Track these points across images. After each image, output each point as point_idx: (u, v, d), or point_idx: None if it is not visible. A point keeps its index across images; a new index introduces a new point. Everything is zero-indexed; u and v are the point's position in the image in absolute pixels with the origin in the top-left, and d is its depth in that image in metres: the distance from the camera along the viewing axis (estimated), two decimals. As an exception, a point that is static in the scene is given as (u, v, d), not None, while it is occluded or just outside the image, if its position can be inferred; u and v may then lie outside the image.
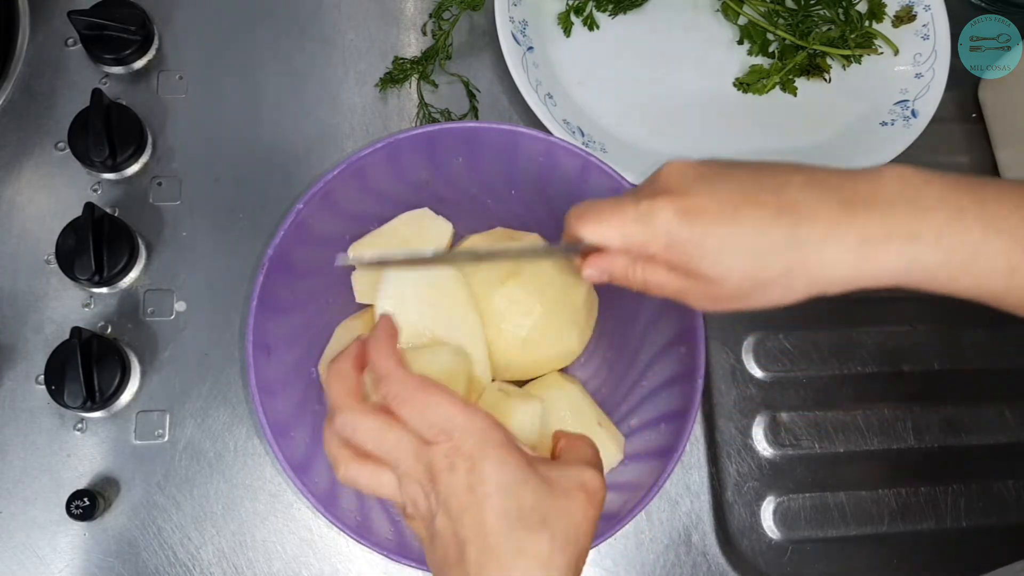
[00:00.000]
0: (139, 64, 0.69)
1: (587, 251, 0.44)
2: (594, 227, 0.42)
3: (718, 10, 0.76)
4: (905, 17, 0.75)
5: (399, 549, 0.52)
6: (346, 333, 0.58)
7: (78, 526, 0.58)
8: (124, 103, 0.66)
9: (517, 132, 0.55)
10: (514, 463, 0.39)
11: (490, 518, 0.38)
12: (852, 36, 0.74)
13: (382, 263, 0.52)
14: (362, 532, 0.51)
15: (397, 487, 0.40)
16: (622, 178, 0.55)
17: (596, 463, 0.42)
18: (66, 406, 0.58)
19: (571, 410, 0.56)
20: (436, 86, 0.71)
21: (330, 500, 0.52)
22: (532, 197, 0.59)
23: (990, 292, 0.39)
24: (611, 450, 0.56)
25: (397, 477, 0.40)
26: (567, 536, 0.38)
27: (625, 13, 0.75)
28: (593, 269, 0.44)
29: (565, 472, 0.40)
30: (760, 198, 0.40)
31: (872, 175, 0.41)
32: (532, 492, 0.38)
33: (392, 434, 0.40)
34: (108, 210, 0.64)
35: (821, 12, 0.75)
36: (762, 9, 0.75)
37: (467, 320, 0.55)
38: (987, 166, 0.76)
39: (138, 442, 0.61)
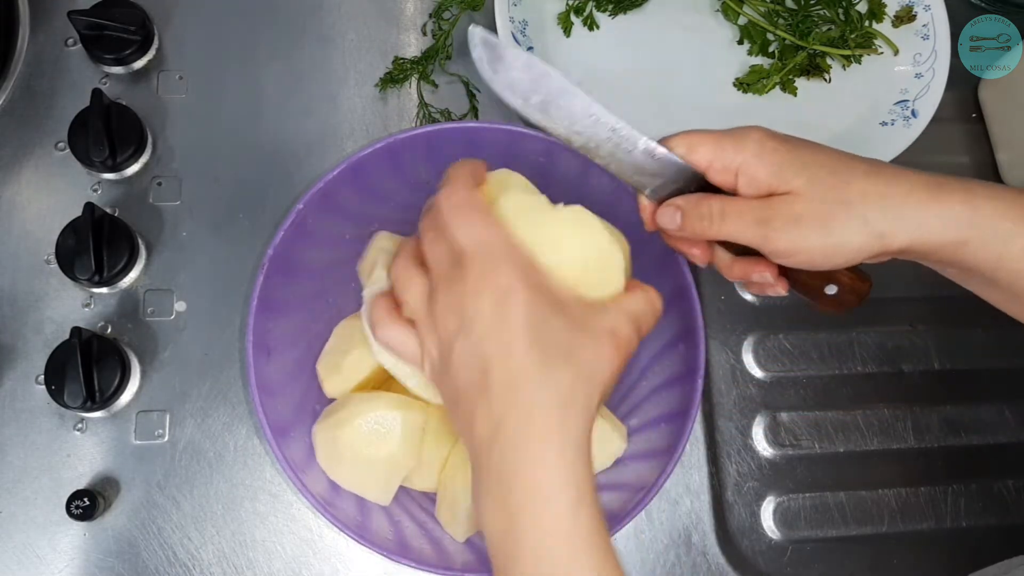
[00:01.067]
0: (139, 64, 0.69)
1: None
2: (686, 142, 0.43)
3: (718, 10, 0.76)
4: (905, 17, 0.75)
5: (399, 549, 0.52)
6: (346, 332, 0.58)
7: (78, 526, 0.58)
8: (124, 103, 0.66)
9: (517, 132, 0.55)
10: (543, 299, 0.39)
11: (516, 343, 0.38)
12: (852, 36, 0.74)
13: None
14: (362, 532, 0.51)
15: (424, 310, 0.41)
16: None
17: (638, 315, 0.42)
18: (66, 406, 0.58)
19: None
20: (436, 86, 0.71)
21: (330, 500, 0.52)
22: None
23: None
24: (615, 441, 0.56)
25: (427, 293, 0.41)
26: (589, 374, 0.39)
27: (625, 13, 0.75)
28: (668, 209, 0.44)
29: (598, 316, 0.40)
30: (836, 150, 0.43)
31: (965, 185, 0.43)
32: (558, 327, 0.38)
33: (434, 247, 0.41)
34: (108, 210, 0.64)
35: (821, 12, 0.75)
36: (762, 9, 0.75)
37: None
38: (987, 166, 0.76)
39: (138, 442, 0.61)
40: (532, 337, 0.38)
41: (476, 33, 0.40)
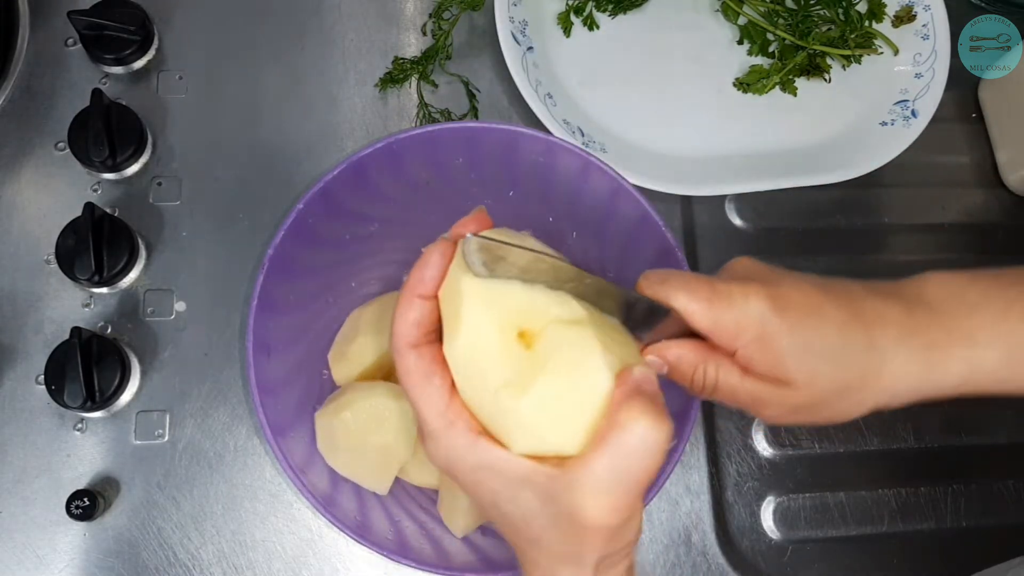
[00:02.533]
0: (139, 64, 0.69)
1: (649, 340, 0.40)
2: (684, 295, 0.38)
3: (718, 10, 0.76)
4: (905, 17, 0.75)
5: (399, 549, 0.52)
6: (354, 320, 0.59)
7: (78, 526, 0.58)
8: (124, 103, 0.66)
9: (518, 132, 0.55)
10: (518, 518, 0.37)
11: (510, 538, 0.39)
12: (852, 36, 0.74)
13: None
14: (362, 532, 0.51)
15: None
16: (623, 179, 0.55)
17: (610, 476, 0.34)
18: (66, 406, 0.58)
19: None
20: (436, 86, 0.71)
21: (330, 500, 0.52)
22: (533, 197, 0.59)
23: None
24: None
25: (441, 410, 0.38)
26: (562, 558, 0.37)
27: (625, 13, 0.75)
28: (655, 357, 0.39)
29: (562, 494, 0.35)
30: (836, 298, 0.39)
31: (915, 282, 0.41)
32: (524, 521, 0.37)
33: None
34: (108, 210, 0.64)
35: (821, 12, 0.75)
36: (762, 9, 0.75)
37: None
38: (987, 166, 0.76)
39: (138, 442, 0.61)
40: (512, 532, 0.38)
41: (472, 241, 0.35)
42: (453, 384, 0.37)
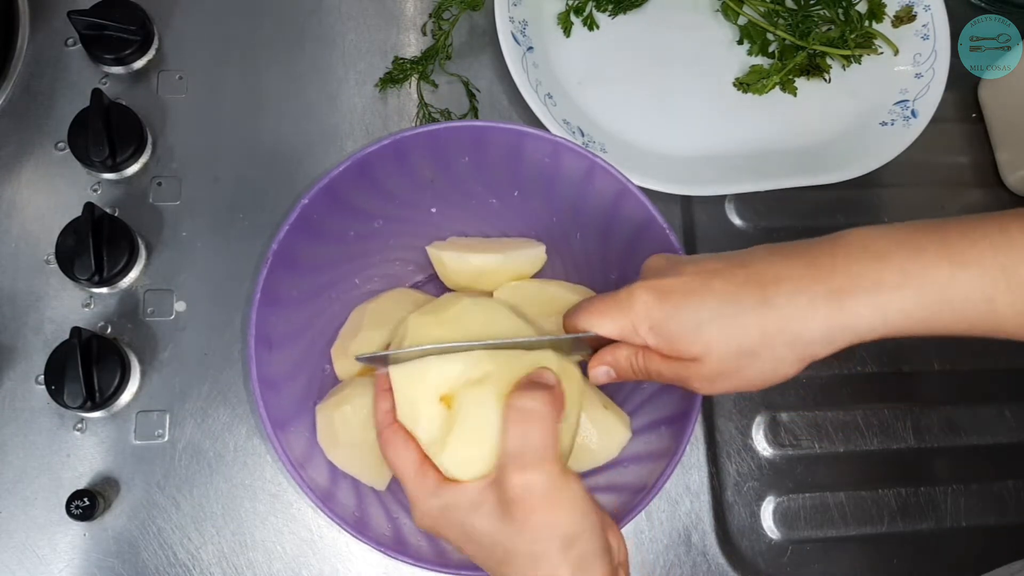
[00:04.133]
0: (139, 64, 0.69)
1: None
2: (588, 318, 0.44)
3: (718, 10, 0.76)
4: (905, 17, 0.75)
5: (396, 545, 0.52)
6: (358, 315, 0.59)
7: (78, 526, 0.58)
8: (124, 103, 0.66)
9: (524, 133, 0.55)
10: (486, 536, 0.43)
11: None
12: (852, 36, 0.74)
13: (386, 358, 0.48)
14: (360, 528, 0.51)
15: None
16: (628, 180, 0.55)
17: (446, 508, 0.44)
18: (66, 406, 0.58)
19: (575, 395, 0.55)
20: (436, 86, 0.71)
21: (329, 496, 0.52)
22: (537, 198, 0.59)
23: (976, 326, 0.40)
24: (619, 431, 0.56)
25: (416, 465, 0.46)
26: None
27: (625, 13, 0.75)
28: (599, 368, 0.46)
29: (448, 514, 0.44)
30: (727, 272, 0.42)
31: (832, 237, 0.42)
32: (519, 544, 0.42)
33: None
34: (108, 210, 0.64)
35: (821, 12, 0.75)
36: (762, 9, 0.75)
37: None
38: (987, 166, 0.76)
39: (138, 442, 0.61)
40: (488, 558, 0.44)
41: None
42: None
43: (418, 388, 0.45)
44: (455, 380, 0.44)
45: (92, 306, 0.63)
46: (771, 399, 0.67)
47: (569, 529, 0.41)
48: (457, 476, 0.43)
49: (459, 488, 0.43)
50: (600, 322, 0.44)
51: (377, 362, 0.47)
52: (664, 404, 0.55)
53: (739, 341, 0.40)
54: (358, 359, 0.47)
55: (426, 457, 0.45)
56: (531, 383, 0.43)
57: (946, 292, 0.38)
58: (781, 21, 0.75)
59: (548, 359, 0.46)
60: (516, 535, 0.41)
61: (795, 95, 0.74)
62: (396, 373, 0.45)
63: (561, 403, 0.43)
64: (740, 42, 0.75)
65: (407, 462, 0.44)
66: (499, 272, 0.59)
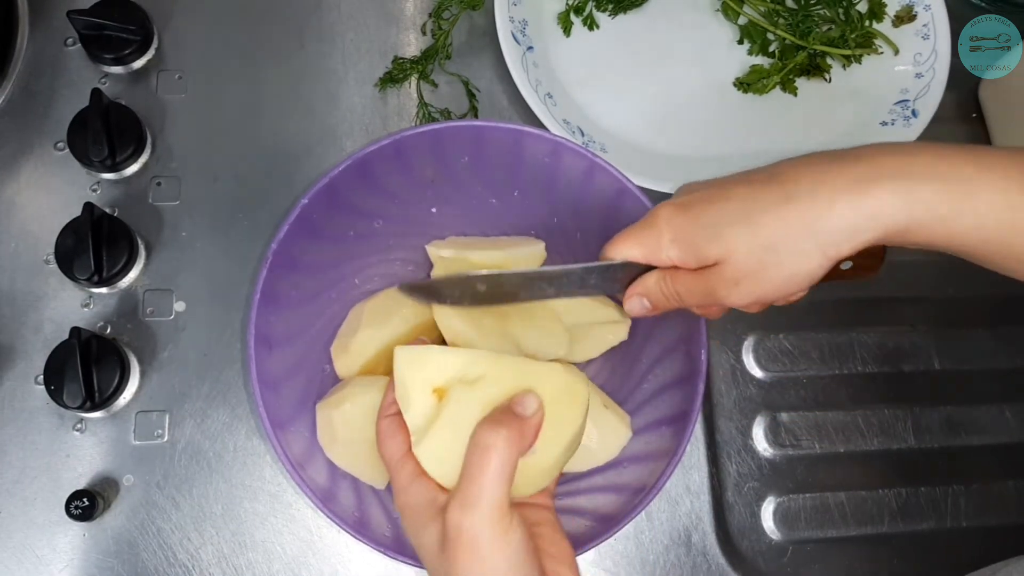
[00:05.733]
0: (138, 64, 0.68)
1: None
2: (614, 245, 0.45)
3: (718, 10, 0.76)
4: (905, 17, 0.75)
5: (396, 546, 0.52)
6: (357, 314, 0.59)
7: (77, 526, 0.58)
8: (123, 103, 0.66)
9: (524, 132, 0.55)
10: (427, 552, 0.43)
11: None
12: (852, 36, 0.74)
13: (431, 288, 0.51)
14: (360, 528, 0.51)
15: None
16: (627, 180, 0.55)
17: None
18: (65, 406, 0.58)
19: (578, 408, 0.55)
20: (436, 86, 0.71)
21: (328, 496, 0.52)
22: (537, 197, 0.59)
23: (991, 239, 0.38)
24: (620, 431, 0.56)
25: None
26: None
27: (625, 13, 0.75)
28: (633, 299, 0.46)
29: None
30: (748, 178, 0.42)
31: (856, 147, 0.41)
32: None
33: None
34: (107, 210, 0.64)
35: (821, 12, 0.75)
36: (762, 9, 0.74)
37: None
38: (987, 166, 0.76)
39: (137, 442, 0.60)
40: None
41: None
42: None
43: (416, 375, 0.45)
44: (451, 375, 0.44)
45: (92, 306, 0.63)
46: (771, 399, 0.67)
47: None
48: (429, 471, 0.44)
49: (423, 491, 0.43)
50: (626, 245, 0.45)
51: (419, 293, 0.49)
52: (664, 404, 0.55)
53: (760, 236, 0.40)
54: (401, 289, 0.50)
55: (410, 450, 0.45)
56: (504, 413, 0.42)
57: (971, 188, 0.38)
58: (781, 21, 0.74)
59: (553, 374, 0.45)
60: (446, 569, 0.41)
61: (795, 95, 0.74)
62: (399, 355, 0.45)
63: (530, 437, 0.42)
64: (740, 42, 0.75)
65: (393, 449, 0.45)
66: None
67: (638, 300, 0.46)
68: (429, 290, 0.50)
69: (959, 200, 0.38)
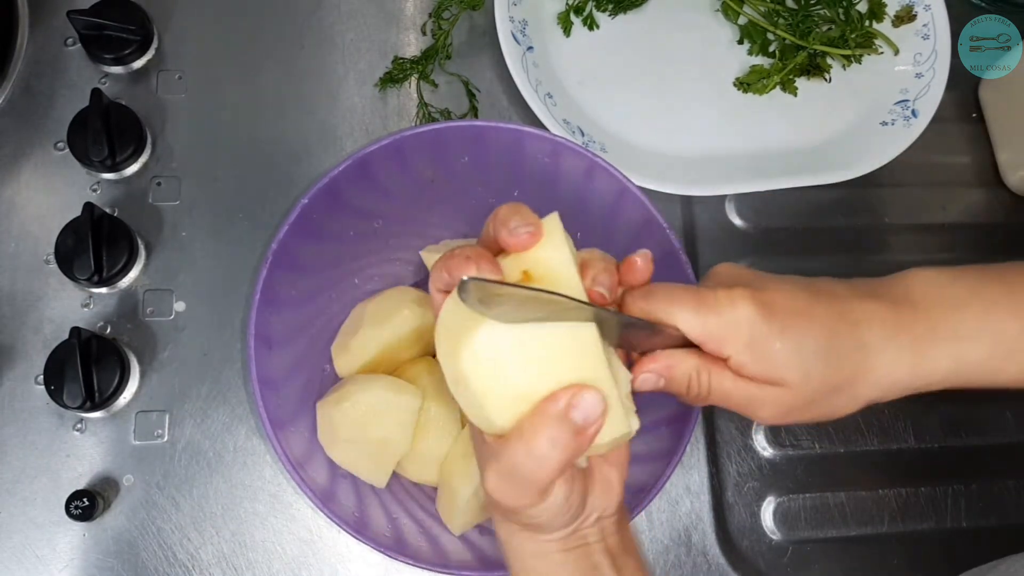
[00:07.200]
0: (138, 64, 0.68)
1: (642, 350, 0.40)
2: (670, 308, 0.39)
3: (718, 10, 0.76)
4: (905, 17, 0.75)
5: (396, 546, 0.52)
6: (358, 313, 0.59)
7: (77, 526, 0.58)
8: (123, 103, 0.66)
9: (524, 132, 0.55)
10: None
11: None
12: (852, 36, 0.74)
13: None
14: (360, 529, 0.51)
15: None
16: (628, 180, 0.55)
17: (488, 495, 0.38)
18: (65, 406, 0.58)
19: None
20: (436, 86, 0.71)
21: (328, 496, 0.52)
22: (537, 197, 0.59)
23: None
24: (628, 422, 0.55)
25: None
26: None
27: (625, 13, 0.75)
28: (647, 374, 0.40)
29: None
30: (822, 298, 0.40)
31: (900, 279, 0.42)
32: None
33: None
34: (107, 210, 0.64)
35: (821, 12, 0.75)
36: (762, 9, 0.74)
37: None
38: (987, 166, 0.76)
39: (137, 442, 0.60)
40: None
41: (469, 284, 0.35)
42: None
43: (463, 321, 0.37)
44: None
45: (91, 306, 0.63)
46: (771, 399, 0.67)
47: (526, 524, 0.40)
48: (487, 407, 0.37)
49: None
50: (685, 317, 0.38)
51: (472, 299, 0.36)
52: (664, 404, 0.55)
53: (835, 375, 0.40)
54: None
55: None
56: (563, 424, 0.36)
57: (1015, 344, 0.41)
58: (781, 21, 0.74)
59: (600, 365, 0.37)
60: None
61: (795, 95, 0.74)
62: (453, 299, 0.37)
63: (585, 446, 0.37)
64: (740, 42, 0.75)
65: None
66: None
67: (653, 378, 0.40)
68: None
69: (1005, 356, 0.41)
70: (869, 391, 0.41)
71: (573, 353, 0.37)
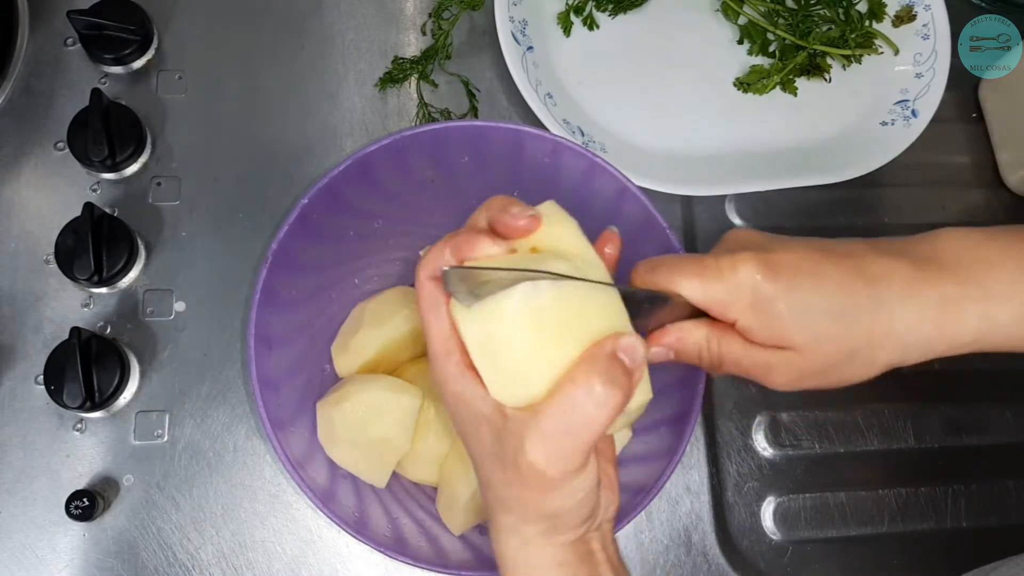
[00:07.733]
0: (138, 64, 0.68)
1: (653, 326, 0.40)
2: (672, 277, 0.38)
3: (718, 10, 0.76)
4: (905, 17, 0.75)
5: (396, 546, 0.52)
6: (358, 313, 0.59)
7: (77, 526, 0.58)
8: (123, 103, 0.66)
9: (524, 132, 0.55)
10: (476, 452, 0.39)
11: (485, 475, 0.39)
12: (852, 36, 0.74)
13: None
14: (360, 529, 0.51)
15: None
16: (628, 180, 0.55)
17: (553, 432, 0.35)
18: (65, 406, 0.58)
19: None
20: (436, 86, 0.71)
21: (328, 496, 0.52)
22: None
23: None
24: (620, 431, 0.54)
25: None
26: (521, 513, 0.38)
27: (625, 13, 0.75)
28: (662, 346, 0.40)
29: (513, 443, 0.36)
30: (835, 257, 0.39)
31: (927, 238, 0.40)
32: (494, 474, 0.38)
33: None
34: (107, 210, 0.64)
35: (821, 12, 0.75)
36: (762, 9, 0.74)
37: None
38: (987, 166, 0.76)
39: (137, 442, 0.60)
40: (475, 467, 0.40)
41: (452, 273, 0.36)
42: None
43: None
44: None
45: (91, 306, 0.63)
46: (771, 399, 0.67)
47: (554, 510, 0.37)
48: (509, 377, 0.37)
49: (484, 396, 0.37)
50: (689, 284, 0.38)
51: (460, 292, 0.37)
52: (664, 404, 0.55)
53: (849, 336, 0.38)
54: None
55: (455, 327, 0.38)
56: (613, 362, 0.35)
57: None
58: (781, 21, 0.74)
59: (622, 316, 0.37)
60: (500, 473, 0.37)
61: (795, 95, 0.74)
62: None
63: (632, 393, 0.36)
64: (740, 42, 0.75)
65: (441, 327, 0.38)
66: None
67: (664, 351, 0.40)
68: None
69: None
70: (888, 353, 0.39)
71: (599, 316, 0.37)
